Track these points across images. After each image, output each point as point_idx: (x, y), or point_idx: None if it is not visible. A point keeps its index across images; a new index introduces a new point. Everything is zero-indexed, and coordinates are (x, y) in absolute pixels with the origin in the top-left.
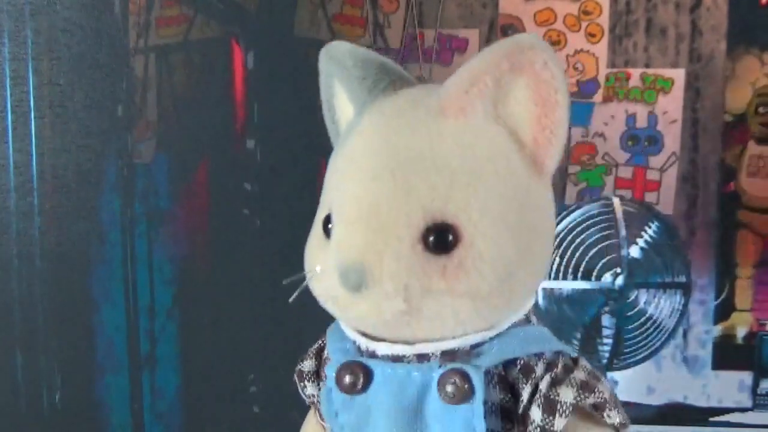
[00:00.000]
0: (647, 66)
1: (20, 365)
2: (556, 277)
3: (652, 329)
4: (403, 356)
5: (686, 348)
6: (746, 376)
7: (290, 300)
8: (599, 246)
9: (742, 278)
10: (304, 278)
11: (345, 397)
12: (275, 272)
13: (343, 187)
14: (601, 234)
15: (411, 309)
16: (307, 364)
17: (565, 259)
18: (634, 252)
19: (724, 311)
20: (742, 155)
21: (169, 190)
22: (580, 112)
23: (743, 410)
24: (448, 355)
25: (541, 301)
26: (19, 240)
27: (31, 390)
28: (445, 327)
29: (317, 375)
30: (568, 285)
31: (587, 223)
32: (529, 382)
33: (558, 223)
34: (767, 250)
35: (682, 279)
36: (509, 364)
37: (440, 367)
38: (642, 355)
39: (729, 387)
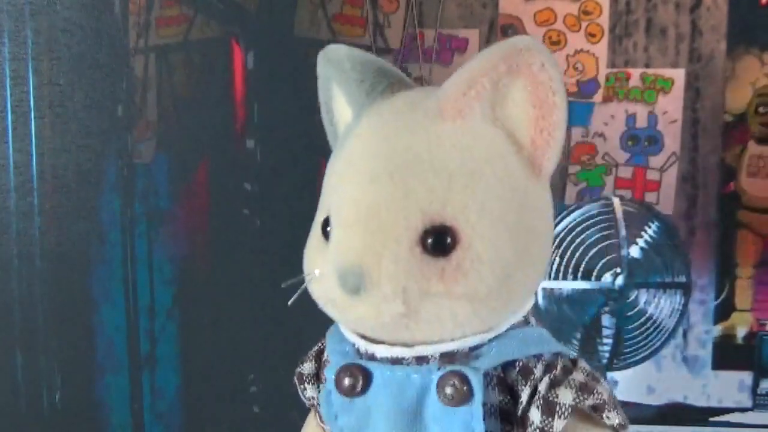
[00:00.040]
0: (647, 66)
1: (20, 365)
2: (556, 277)
3: (652, 329)
4: (402, 358)
5: (686, 348)
6: (746, 376)
7: (289, 303)
8: (599, 246)
9: (742, 278)
10: (303, 281)
11: (344, 399)
12: (275, 272)
13: (342, 190)
14: (601, 234)
15: (409, 312)
16: (307, 367)
17: (565, 259)
18: (634, 252)
19: (724, 311)
20: (742, 155)
21: (169, 190)
22: (580, 112)
23: (743, 410)
24: (447, 357)
25: (541, 301)
26: (19, 240)
27: (31, 390)
28: (444, 329)
29: (317, 377)
30: (568, 285)
31: (587, 223)
32: (528, 383)
33: (558, 223)
34: (767, 250)
35: (682, 279)
36: (508, 365)
37: (439, 369)
38: (642, 355)
39: (729, 387)
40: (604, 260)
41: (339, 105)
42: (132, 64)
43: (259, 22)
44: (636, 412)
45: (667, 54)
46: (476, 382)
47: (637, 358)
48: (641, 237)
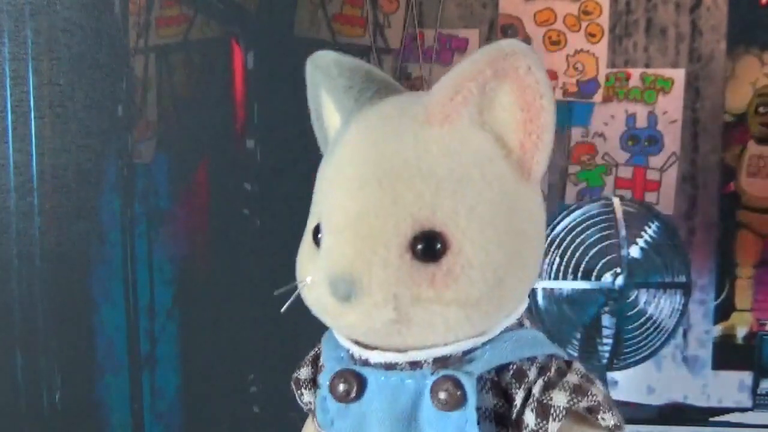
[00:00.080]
0: (647, 66)
1: (20, 365)
2: (556, 277)
3: (652, 329)
4: (396, 364)
5: (686, 348)
6: (746, 376)
7: (282, 311)
8: (599, 246)
9: (742, 278)
10: (295, 288)
11: (340, 405)
12: (275, 272)
13: (331, 197)
14: (601, 234)
15: (401, 318)
16: (304, 372)
17: (565, 259)
18: (634, 252)
19: (724, 311)
20: (742, 155)
21: (169, 190)
22: (580, 112)
23: (743, 410)
24: (441, 362)
25: (541, 301)
26: (19, 240)
27: (31, 390)
28: (436, 334)
29: (314, 382)
30: (568, 285)
31: (587, 223)
32: (522, 386)
33: (558, 223)
34: (767, 250)
35: (682, 279)
36: (502, 369)
37: (433, 374)
38: (642, 355)
39: (729, 387)
40: (604, 260)
41: (328, 111)
42: (132, 64)
43: (259, 22)
44: (636, 412)
45: (667, 54)
46: (470, 387)
47: (637, 358)
48: (641, 237)
